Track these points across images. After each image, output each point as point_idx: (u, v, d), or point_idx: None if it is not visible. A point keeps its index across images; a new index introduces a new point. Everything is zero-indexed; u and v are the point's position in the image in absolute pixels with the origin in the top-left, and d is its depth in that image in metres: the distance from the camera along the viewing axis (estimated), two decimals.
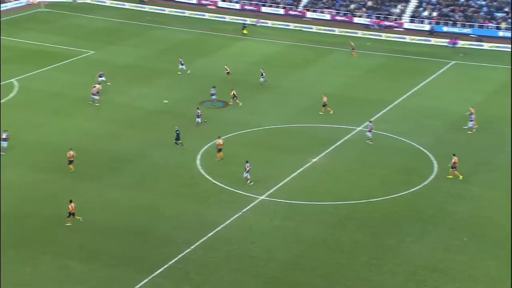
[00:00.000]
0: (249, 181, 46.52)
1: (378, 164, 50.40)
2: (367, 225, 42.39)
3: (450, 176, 47.98)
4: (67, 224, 41.31)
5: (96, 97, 60.48)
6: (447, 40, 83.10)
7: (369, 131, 53.61)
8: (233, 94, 61.30)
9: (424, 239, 40.90)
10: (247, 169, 46.50)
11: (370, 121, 54.46)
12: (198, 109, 56.91)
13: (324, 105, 59.06)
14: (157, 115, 58.50)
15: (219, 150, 50.15)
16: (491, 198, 45.76)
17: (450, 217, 43.47)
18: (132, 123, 55.98)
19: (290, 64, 74.16)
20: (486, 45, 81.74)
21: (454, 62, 76.04)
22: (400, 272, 37.68)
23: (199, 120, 56.10)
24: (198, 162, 50.13)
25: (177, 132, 52.34)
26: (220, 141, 50.36)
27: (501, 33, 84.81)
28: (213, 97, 60.92)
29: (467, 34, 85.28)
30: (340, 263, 38.47)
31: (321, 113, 58.71)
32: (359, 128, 56.80)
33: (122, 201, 44.67)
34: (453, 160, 47.88)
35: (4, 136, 51.01)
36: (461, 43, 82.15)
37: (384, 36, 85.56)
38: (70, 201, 41.40)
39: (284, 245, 40.11)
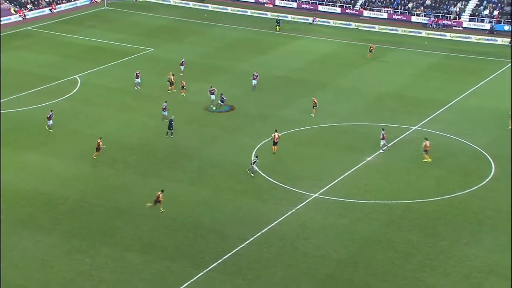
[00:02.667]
0: (252, 173, 47.13)
1: (434, 164, 49.53)
2: (421, 225, 41.74)
3: (425, 160, 48.59)
4: (148, 204, 42.50)
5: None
6: (508, 39, 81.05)
7: (382, 138, 51.32)
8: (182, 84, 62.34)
9: (479, 241, 40.02)
10: (254, 161, 47.19)
11: (383, 129, 52.01)
12: (165, 102, 56.80)
13: (314, 106, 57.69)
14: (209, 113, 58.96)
15: (275, 143, 50.22)
16: None
17: (508, 219, 42.38)
18: (191, 119, 56.44)
19: (347, 62, 73.66)
20: None
21: None
22: (454, 274, 36.98)
23: (165, 113, 55.89)
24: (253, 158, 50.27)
25: (171, 121, 53.37)
26: (276, 134, 50.44)
27: None
28: (221, 102, 59.24)
29: None
30: (394, 263, 37.99)
31: (312, 115, 57.56)
32: (414, 128, 56.00)
33: (179, 196, 45.13)
34: (424, 144, 48.83)
35: (48, 115, 54.33)
36: None
37: (442, 35, 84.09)
38: (162, 191, 42.47)
39: (337, 243, 39.86)
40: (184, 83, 62.91)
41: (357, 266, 37.70)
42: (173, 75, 63.75)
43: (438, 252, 38.92)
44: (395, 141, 53.36)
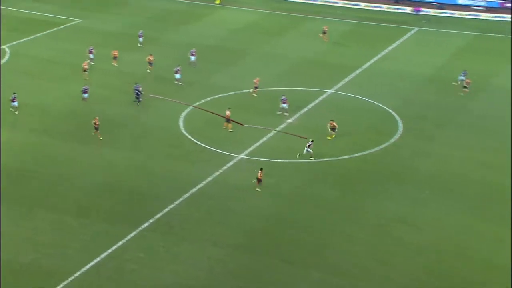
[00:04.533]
0: (311, 157, 44.81)
1: (349, 125, 50.19)
2: (340, 182, 42.34)
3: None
4: (258, 190, 40.59)
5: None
6: (411, 8, 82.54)
7: (284, 102, 51.02)
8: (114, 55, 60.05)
9: (391, 194, 40.91)
10: (308, 144, 44.67)
11: (284, 95, 51.52)
12: (86, 86, 53.87)
13: (255, 87, 55.18)
14: (144, 80, 57.67)
15: (228, 121, 48.64)
16: (454, 155, 45.72)
17: (416, 173, 43.49)
18: (122, 88, 55.05)
19: (268, 31, 73.35)
20: (447, 12, 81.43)
21: (418, 28, 75.73)
22: (369, 225, 37.77)
23: (85, 95, 52.80)
24: (181, 124, 49.67)
25: (138, 91, 52.31)
26: (228, 112, 48.84)
27: (460, 1, 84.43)
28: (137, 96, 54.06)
29: (429, 2, 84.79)
30: (317, 217, 38.43)
31: (254, 94, 55.29)
32: (330, 91, 56.58)
33: (115, 162, 44.23)
34: (331, 124, 47.42)
35: (12, 97, 50.87)
36: (424, 11, 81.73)
37: (353, 4, 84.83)
38: (261, 169, 40.69)
39: (264, 200, 39.99)
40: (151, 58, 59.76)
41: (284, 222, 37.98)
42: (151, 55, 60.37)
43: (355, 206, 39.61)
44: (314, 103, 53.81)
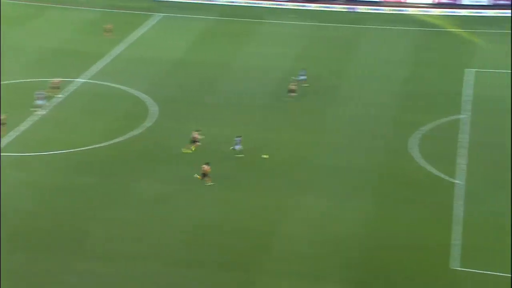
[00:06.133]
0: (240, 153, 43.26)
1: (103, 113, 49.66)
2: (97, 169, 41.88)
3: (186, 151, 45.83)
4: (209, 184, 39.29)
5: None
6: None
7: (39, 99, 49.36)
8: None
9: (151, 175, 41.30)
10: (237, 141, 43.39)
11: (40, 90, 50.42)
12: None
13: (54, 87, 52.37)
14: None
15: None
16: (210, 133, 46.21)
17: (173, 152, 43.96)
18: None
19: (7, 21, 68.57)
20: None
21: (163, 14, 76.75)
22: (132, 207, 38.06)
23: None
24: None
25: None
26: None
27: None
28: None
29: None
30: (76, 206, 37.79)
31: (59, 95, 52.45)
32: (82, 80, 55.38)
33: None
34: (193, 135, 45.50)
35: None
36: None
37: None
38: (207, 163, 39.56)
39: (21, 196, 38.35)
40: None
41: (42, 216, 36.75)
42: None
43: (117, 190, 39.59)
44: (66, 94, 52.21)
